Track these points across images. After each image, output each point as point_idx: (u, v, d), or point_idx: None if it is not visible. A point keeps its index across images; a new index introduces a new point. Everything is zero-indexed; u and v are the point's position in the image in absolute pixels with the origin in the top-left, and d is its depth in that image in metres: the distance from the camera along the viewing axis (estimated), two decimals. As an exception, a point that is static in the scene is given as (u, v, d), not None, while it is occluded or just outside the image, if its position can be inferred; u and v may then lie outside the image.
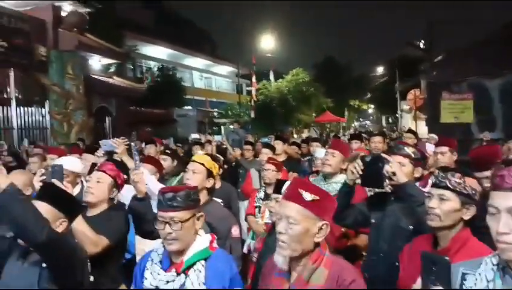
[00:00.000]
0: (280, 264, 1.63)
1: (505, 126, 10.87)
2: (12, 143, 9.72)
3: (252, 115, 21.60)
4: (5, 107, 10.02)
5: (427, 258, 1.48)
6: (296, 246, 1.59)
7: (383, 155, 2.43)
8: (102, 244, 2.31)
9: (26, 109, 10.55)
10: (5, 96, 10.06)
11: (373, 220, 2.54)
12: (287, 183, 2.53)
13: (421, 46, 20.56)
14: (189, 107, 22.12)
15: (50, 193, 2.00)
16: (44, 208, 1.89)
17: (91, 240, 2.25)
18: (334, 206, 1.74)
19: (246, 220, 4.68)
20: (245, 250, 4.27)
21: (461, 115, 12.12)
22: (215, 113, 26.43)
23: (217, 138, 7.46)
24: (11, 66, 9.80)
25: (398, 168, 2.36)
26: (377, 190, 2.71)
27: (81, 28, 11.57)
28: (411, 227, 2.34)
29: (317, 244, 1.65)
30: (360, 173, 2.37)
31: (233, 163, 6.66)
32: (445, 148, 3.78)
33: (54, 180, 2.25)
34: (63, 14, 11.28)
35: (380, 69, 41.02)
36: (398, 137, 14.86)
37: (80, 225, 2.24)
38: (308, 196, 1.61)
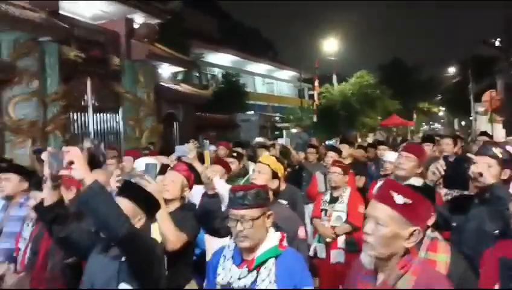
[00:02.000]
0: (366, 264, 1.58)
1: None
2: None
3: (315, 119, 21.37)
4: (82, 114, 10.74)
5: (505, 264, 1.37)
6: (382, 248, 1.52)
7: (469, 155, 2.27)
8: (183, 241, 2.40)
9: (101, 115, 11.21)
10: (83, 103, 10.78)
11: (454, 224, 2.38)
12: (379, 184, 2.44)
13: (497, 44, 19.26)
14: (252, 112, 22.40)
15: (130, 190, 2.09)
16: (124, 204, 1.97)
17: (174, 236, 2.35)
18: (430, 213, 1.62)
19: (311, 223, 4.62)
20: (311, 253, 4.22)
21: (543, 116, 11.10)
22: (277, 118, 26.49)
23: (280, 141, 7.41)
24: (88, 75, 10.49)
25: (485, 169, 2.19)
26: (455, 193, 2.54)
27: (151, 39, 12.14)
28: (497, 231, 2.16)
29: (407, 250, 1.55)
30: (443, 173, 2.23)
31: (297, 166, 6.60)
32: None
33: (147, 177, 2.41)
34: (135, 26, 11.93)
35: (451, 70, 38.82)
36: (473, 140, 13.95)
37: (165, 221, 2.34)
38: (399, 199, 1.51)
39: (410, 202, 1.52)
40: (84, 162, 1.87)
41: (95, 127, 11.00)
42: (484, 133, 6.93)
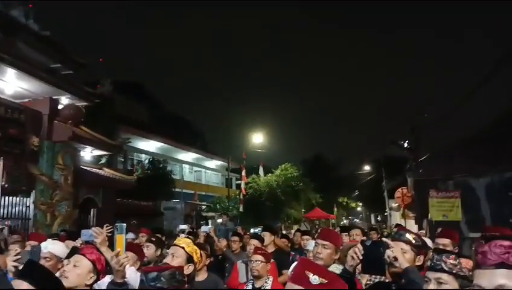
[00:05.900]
0: None
1: (493, 225, 10.73)
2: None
3: (241, 209, 21.35)
4: (-11, 196, 9.77)
5: None
6: None
7: (384, 240, 2.34)
8: None
9: (11, 198, 10.30)
10: (-9, 184, 9.87)
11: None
12: (294, 264, 2.38)
13: (406, 145, 21.20)
14: (177, 200, 21.91)
15: (32, 271, 1.86)
16: (24, 287, 1.74)
17: None
18: None
19: (232, 317, 4.35)
20: None
21: (450, 213, 12.05)
22: (204, 207, 26.12)
23: (204, 228, 7.21)
24: (1, 155, 9.77)
25: (400, 254, 2.25)
26: (376, 280, 2.57)
27: (76, 121, 11.83)
28: None
29: None
30: (361, 258, 2.25)
31: (220, 256, 6.37)
32: (447, 241, 3.59)
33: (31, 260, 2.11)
34: (60, 106, 11.62)
35: (367, 167, 41.84)
36: (389, 234, 14.64)
37: None
38: (315, 279, 1.48)
39: (326, 281, 1.49)
40: None
41: (2, 211, 10.01)
42: (398, 225, 7.35)
